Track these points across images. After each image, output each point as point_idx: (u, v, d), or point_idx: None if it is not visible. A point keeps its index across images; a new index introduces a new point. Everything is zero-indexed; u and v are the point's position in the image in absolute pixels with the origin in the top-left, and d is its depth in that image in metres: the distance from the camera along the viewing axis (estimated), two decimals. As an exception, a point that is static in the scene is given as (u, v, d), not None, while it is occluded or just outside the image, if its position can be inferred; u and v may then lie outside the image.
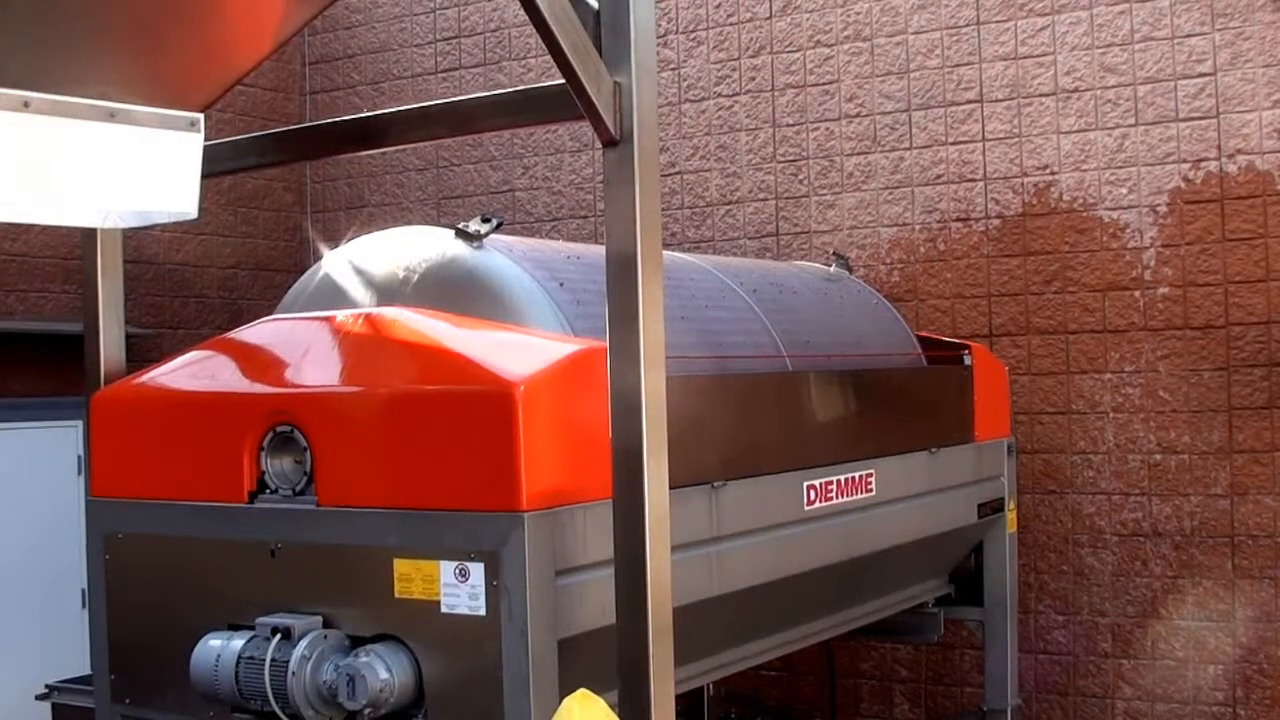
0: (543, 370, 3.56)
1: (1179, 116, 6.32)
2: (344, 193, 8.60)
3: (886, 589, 5.31)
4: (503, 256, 4.08)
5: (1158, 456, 6.38)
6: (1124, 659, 6.46)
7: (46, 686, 4.99)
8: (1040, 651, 6.60)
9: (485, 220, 4.09)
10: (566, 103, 3.40)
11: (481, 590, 3.47)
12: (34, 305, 7.35)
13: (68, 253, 7.34)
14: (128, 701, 4.14)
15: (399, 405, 3.63)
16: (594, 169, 7.60)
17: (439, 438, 3.54)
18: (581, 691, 2.35)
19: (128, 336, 4.47)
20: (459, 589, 3.51)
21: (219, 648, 3.72)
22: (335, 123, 3.92)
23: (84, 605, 6.77)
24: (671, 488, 3.52)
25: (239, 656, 3.66)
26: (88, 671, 4.49)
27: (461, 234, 4.06)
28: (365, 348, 3.85)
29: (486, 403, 3.47)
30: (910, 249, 6.92)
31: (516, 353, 3.66)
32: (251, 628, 3.71)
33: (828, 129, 7.10)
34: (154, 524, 4.04)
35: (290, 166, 8.41)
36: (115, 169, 3.36)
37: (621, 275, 3.43)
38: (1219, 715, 6.25)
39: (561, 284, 4.08)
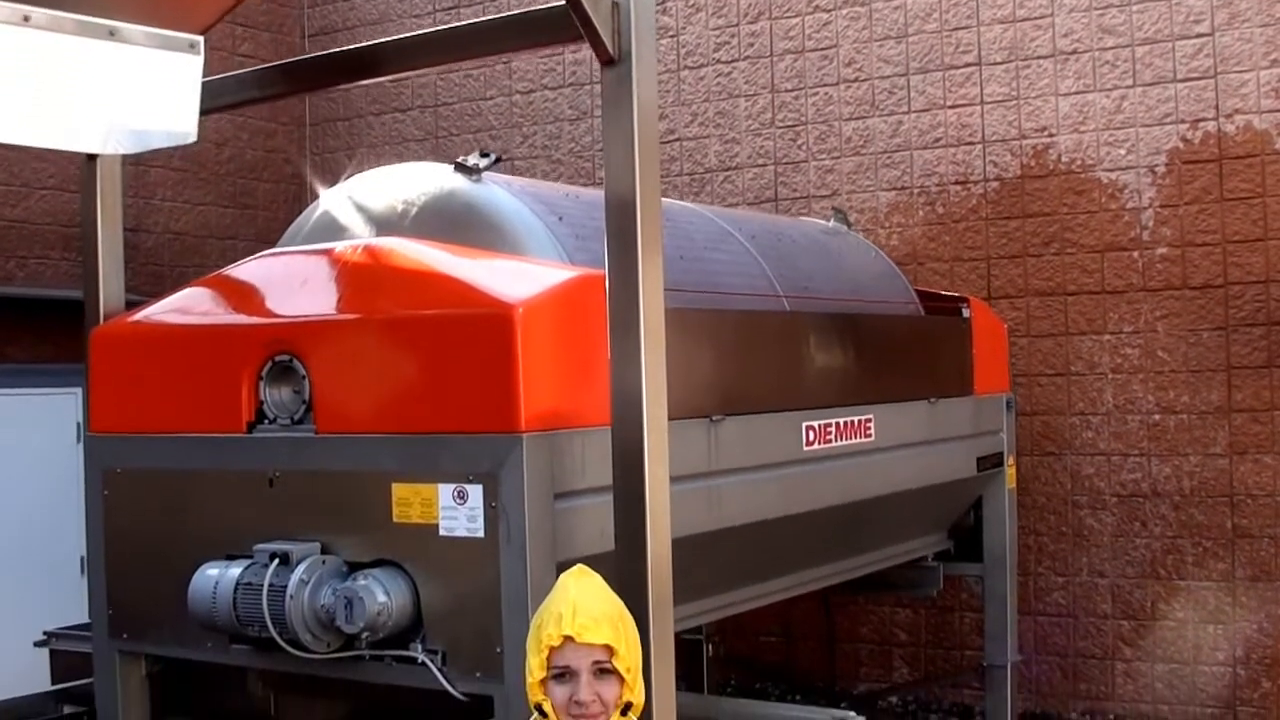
0: (542, 294, 3.56)
1: (1177, 77, 6.33)
2: (343, 164, 8.59)
3: (886, 540, 5.31)
4: (502, 190, 4.09)
5: (1157, 417, 6.38)
6: (1123, 620, 6.45)
7: (45, 633, 4.99)
8: (1040, 613, 6.59)
9: (484, 155, 4.10)
10: (565, 24, 3.40)
11: (480, 512, 3.46)
12: (34, 272, 7.36)
13: (68, 220, 7.34)
14: (125, 636, 4.13)
15: (398, 331, 3.63)
16: (593, 137, 7.61)
17: (438, 362, 3.54)
18: (578, 567, 2.35)
19: (126, 304, 4.45)
20: (457, 511, 3.50)
21: (216, 576, 3.71)
22: (336, 53, 3.93)
23: (83, 572, 6.75)
24: (670, 419, 3.52)
25: (237, 583, 3.65)
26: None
27: (460, 168, 4.06)
28: (363, 277, 3.85)
29: (485, 325, 3.47)
30: (909, 212, 6.92)
31: (515, 278, 3.66)
32: (249, 557, 3.71)
33: (826, 94, 7.11)
34: (152, 458, 4.04)
35: (290, 138, 8.43)
36: (115, 88, 3.37)
37: (620, 196, 3.43)
38: (1219, 675, 6.24)
39: (560, 218, 4.08)
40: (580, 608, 2.23)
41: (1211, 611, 6.26)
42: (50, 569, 7.14)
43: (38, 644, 4.95)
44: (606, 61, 3.39)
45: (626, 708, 2.25)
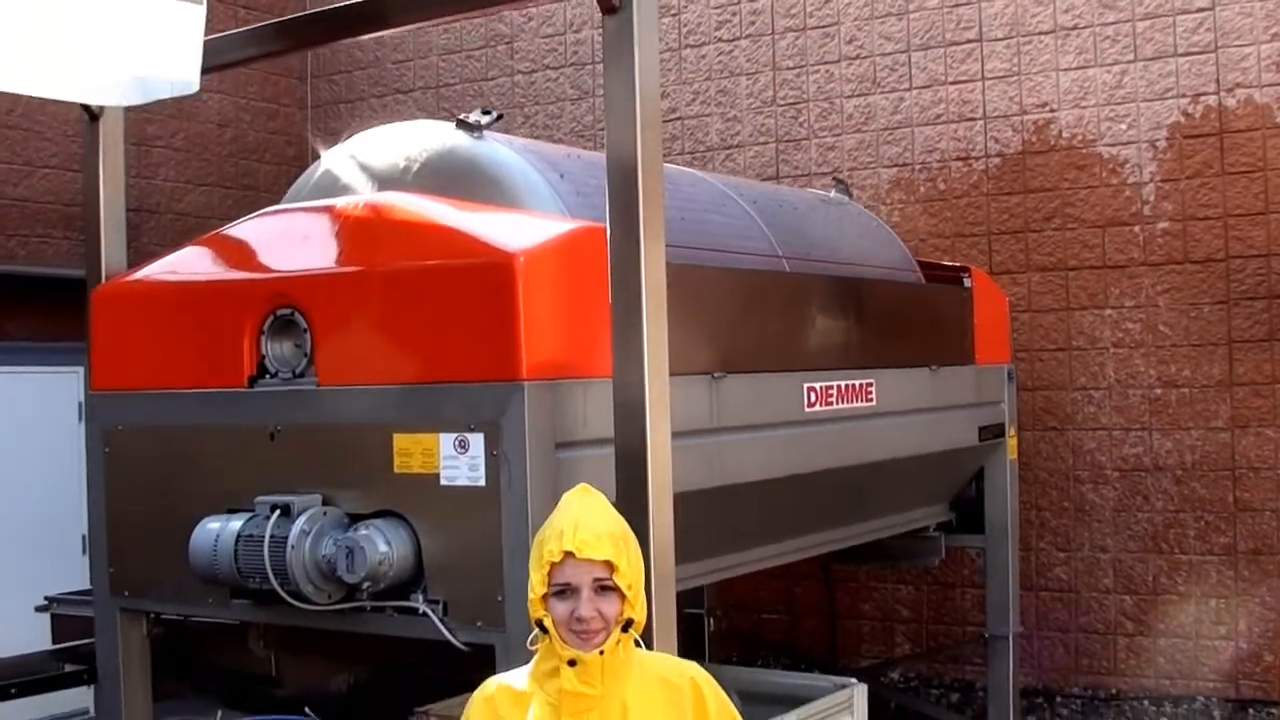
0: (543, 244, 3.57)
1: (1178, 51, 6.33)
2: (345, 147, 8.62)
3: (888, 508, 5.30)
4: (503, 146, 4.09)
5: (1158, 391, 6.37)
6: (1125, 595, 6.44)
7: (46, 598, 4.98)
8: (1041, 589, 6.58)
9: (485, 112, 4.10)
10: (567, -28, 3.42)
11: (481, 461, 3.46)
12: (35, 250, 7.36)
13: (69, 199, 7.34)
14: (126, 594, 4.13)
15: (399, 282, 3.63)
16: (595, 116, 7.61)
17: (439, 312, 3.54)
18: (581, 485, 2.35)
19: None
20: (458, 460, 3.51)
21: (218, 529, 3.72)
22: (333, 9, 3.92)
23: (84, 551, 6.74)
24: (671, 375, 3.52)
25: (238, 535, 3.65)
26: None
27: (462, 125, 4.07)
28: (364, 231, 3.85)
29: (486, 274, 3.47)
30: (910, 189, 6.93)
31: (517, 229, 3.66)
32: (251, 511, 3.71)
33: (828, 71, 7.11)
34: (154, 414, 4.04)
35: (292, 120, 8.44)
36: (117, 37, 3.37)
37: (622, 146, 3.42)
38: (1220, 649, 6.23)
39: (562, 175, 4.09)
40: (582, 524, 2.23)
41: (1213, 585, 6.25)
42: (51, 547, 7.13)
43: (39, 609, 4.94)
44: (608, 10, 3.40)
45: (628, 624, 2.24)
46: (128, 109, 4.35)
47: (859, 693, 4.91)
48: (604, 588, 2.22)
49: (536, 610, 2.23)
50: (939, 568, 6.79)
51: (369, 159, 4.20)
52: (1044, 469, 6.59)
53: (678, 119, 7.43)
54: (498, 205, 3.91)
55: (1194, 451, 6.29)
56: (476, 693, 2.35)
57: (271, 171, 8.51)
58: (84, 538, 6.84)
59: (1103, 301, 6.49)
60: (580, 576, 2.20)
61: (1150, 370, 6.39)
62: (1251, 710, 6.10)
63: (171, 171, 7.95)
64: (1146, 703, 6.30)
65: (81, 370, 6.80)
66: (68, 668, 4.44)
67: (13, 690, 4.27)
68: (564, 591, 2.21)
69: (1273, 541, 6.14)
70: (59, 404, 7.33)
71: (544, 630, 2.24)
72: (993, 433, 5.67)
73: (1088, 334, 6.52)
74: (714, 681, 2.37)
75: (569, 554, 2.20)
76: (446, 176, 4.00)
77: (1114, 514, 6.46)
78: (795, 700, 4.73)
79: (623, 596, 2.23)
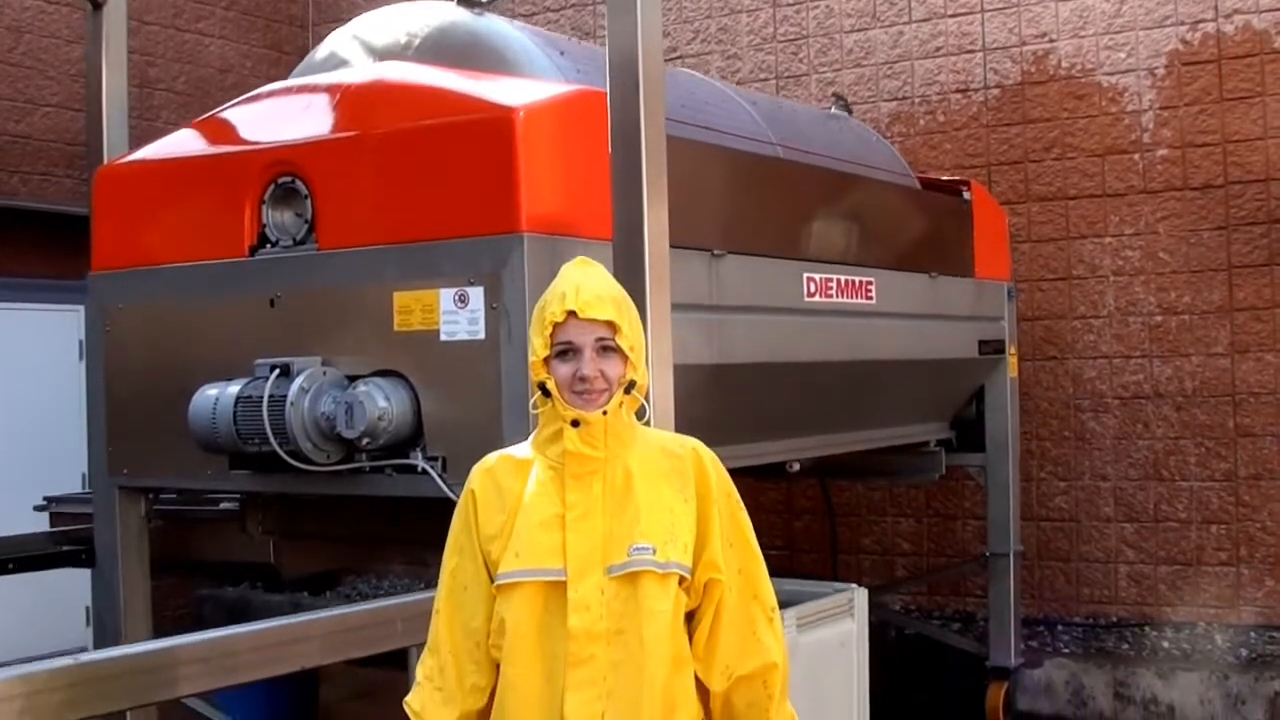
0: (543, 101, 3.57)
1: (1177, -21, 6.35)
2: (346, 97, 8.62)
3: (888, 418, 5.30)
4: (504, 22, 4.11)
5: (1158, 318, 6.37)
6: (1126, 523, 6.43)
7: (45, 498, 4.97)
8: (1042, 518, 6.57)
9: (486, -9, 4.12)
10: None
11: (481, 314, 3.46)
12: (37, 188, 7.37)
13: (71, 138, 7.37)
14: (125, 472, 4.12)
15: (401, 142, 3.63)
16: (595, 58, 7.63)
17: (439, 169, 3.54)
18: (580, 257, 2.34)
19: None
20: (458, 315, 3.50)
21: (216, 394, 3.70)
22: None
23: (83, 489, 6.73)
24: (671, 247, 3.52)
25: (237, 398, 3.64)
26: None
27: (464, 1, 4.09)
28: (365, 98, 3.85)
29: (487, 129, 3.48)
30: (910, 122, 6.94)
31: (517, 90, 3.67)
32: (250, 376, 3.70)
33: (828, 6, 7.13)
34: (154, 290, 4.04)
35: (293, 67, 8.43)
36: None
37: (623, 19, 3.42)
38: (1222, 575, 6.22)
39: (563, 53, 4.10)
40: (584, 286, 2.22)
41: (1214, 511, 6.24)
42: (51, 484, 7.10)
43: (37, 509, 4.93)
44: None
45: (630, 387, 2.23)
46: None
47: (859, 596, 4.88)
48: (606, 348, 2.21)
49: (538, 373, 2.22)
50: (939, 499, 6.79)
51: (370, 36, 4.21)
52: (1044, 398, 6.59)
53: (678, 57, 7.44)
54: (499, 75, 3.92)
55: (1194, 378, 6.29)
56: (477, 465, 2.33)
57: (273, 119, 8.53)
58: (84, 476, 6.83)
59: (1102, 230, 6.50)
60: (582, 336, 2.19)
61: (1150, 297, 6.39)
62: (1253, 635, 6.08)
63: (173, 114, 7.96)
64: (1148, 629, 6.29)
65: (82, 309, 6.81)
66: (65, 548, 4.42)
67: (10, 565, 4.25)
68: (566, 352, 2.20)
69: (1273, 466, 6.13)
70: (60, 341, 7.34)
71: (546, 394, 2.22)
72: (993, 348, 5.67)
73: (1088, 262, 6.52)
74: (716, 456, 2.36)
75: (571, 314, 2.19)
76: (447, 50, 4.01)
77: (1114, 442, 6.46)
78: (794, 605, 4.71)
79: (625, 359, 2.22)
